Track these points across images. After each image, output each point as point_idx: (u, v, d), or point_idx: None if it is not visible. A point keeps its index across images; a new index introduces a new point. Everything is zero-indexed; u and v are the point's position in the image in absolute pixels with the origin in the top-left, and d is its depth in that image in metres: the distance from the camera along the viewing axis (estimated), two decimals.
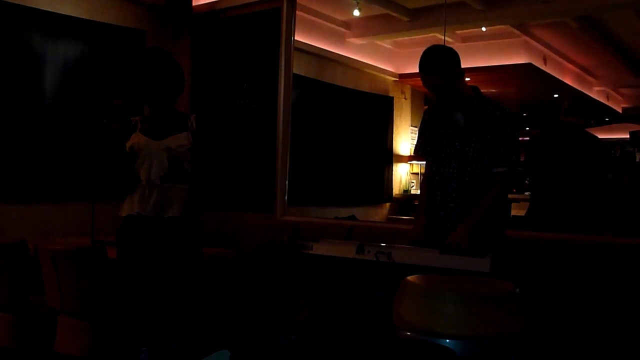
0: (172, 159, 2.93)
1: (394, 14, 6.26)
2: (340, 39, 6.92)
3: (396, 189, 7.99)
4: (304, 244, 2.88)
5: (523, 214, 4.34)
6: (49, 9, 4.49)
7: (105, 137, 2.89)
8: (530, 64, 6.76)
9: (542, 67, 6.98)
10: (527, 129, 8.03)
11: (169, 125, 3.02)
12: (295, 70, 4.83)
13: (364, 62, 7.30)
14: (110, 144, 2.91)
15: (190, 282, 2.99)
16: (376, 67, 7.52)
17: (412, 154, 7.60)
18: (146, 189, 2.94)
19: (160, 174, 2.93)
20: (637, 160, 6.57)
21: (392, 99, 7.87)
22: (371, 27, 6.85)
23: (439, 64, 2.79)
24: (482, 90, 2.97)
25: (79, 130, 4.63)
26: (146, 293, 2.95)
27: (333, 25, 6.79)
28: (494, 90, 7.51)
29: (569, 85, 7.38)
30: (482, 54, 6.63)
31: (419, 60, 2.82)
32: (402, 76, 7.75)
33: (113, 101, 2.90)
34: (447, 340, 1.80)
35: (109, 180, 3.03)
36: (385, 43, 7.53)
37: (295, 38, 4.78)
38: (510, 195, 5.41)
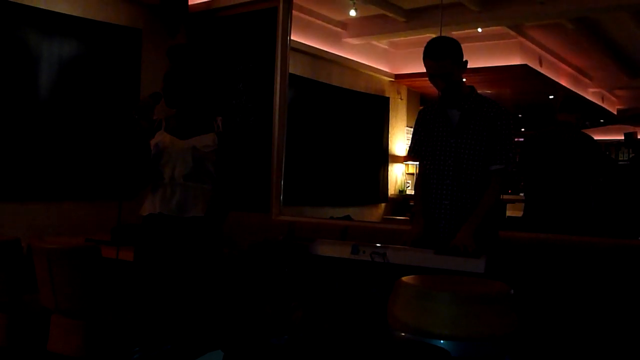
0: (197, 158, 2.88)
1: (390, 15, 6.27)
2: (336, 39, 6.92)
3: (391, 189, 7.99)
4: (304, 243, 2.86)
5: (518, 215, 4.34)
6: (45, 7, 4.47)
7: (133, 133, 2.79)
8: (525, 65, 6.77)
9: (538, 69, 6.99)
10: (522, 130, 8.04)
11: (195, 125, 2.96)
12: (291, 70, 4.83)
13: (360, 62, 7.30)
14: (137, 140, 2.81)
15: (209, 283, 2.92)
16: (372, 67, 7.52)
17: (406, 154, 7.61)
18: (168, 188, 2.88)
19: (184, 172, 2.86)
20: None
21: (387, 99, 7.87)
22: (367, 27, 6.85)
23: (448, 50, 2.79)
24: (477, 91, 2.98)
25: (74, 128, 4.62)
26: (162, 293, 2.86)
27: (329, 25, 6.79)
28: (489, 91, 7.51)
29: (564, 87, 7.38)
30: (477, 55, 6.63)
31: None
32: (398, 76, 7.75)
33: (144, 97, 2.83)
34: (442, 341, 1.80)
35: (132, 178, 2.94)
36: (382, 43, 7.53)
37: (292, 38, 4.77)
38: (505, 196, 5.42)
